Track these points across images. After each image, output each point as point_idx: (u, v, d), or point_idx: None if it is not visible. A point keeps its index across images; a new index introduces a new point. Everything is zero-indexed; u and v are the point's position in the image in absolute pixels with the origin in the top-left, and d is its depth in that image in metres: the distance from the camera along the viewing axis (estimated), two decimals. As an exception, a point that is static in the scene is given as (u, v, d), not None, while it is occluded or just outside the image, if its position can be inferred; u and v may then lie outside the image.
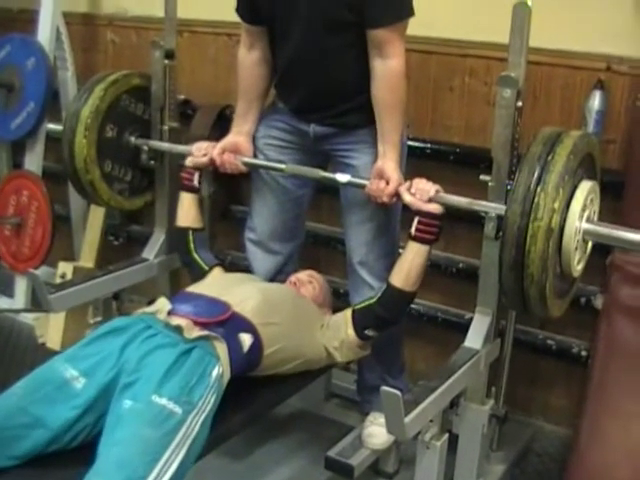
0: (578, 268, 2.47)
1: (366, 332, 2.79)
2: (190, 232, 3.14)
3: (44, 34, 4.24)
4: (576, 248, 2.36)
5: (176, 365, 2.27)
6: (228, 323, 2.51)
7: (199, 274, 3.03)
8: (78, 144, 3.22)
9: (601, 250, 3.17)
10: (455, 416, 2.79)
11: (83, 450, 2.21)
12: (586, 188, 2.36)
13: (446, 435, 2.61)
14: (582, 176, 2.42)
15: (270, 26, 3.00)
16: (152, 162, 3.53)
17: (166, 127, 3.54)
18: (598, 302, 3.18)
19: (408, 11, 2.79)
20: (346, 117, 2.99)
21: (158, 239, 3.58)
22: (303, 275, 3.07)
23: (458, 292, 3.55)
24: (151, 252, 3.54)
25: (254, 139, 3.22)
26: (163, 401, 2.17)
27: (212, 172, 3.92)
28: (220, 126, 4.04)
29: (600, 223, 2.43)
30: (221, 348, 2.42)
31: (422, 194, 2.65)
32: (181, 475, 2.14)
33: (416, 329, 3.51)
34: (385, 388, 2.16)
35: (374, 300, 2.77)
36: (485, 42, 3.23)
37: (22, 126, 4.18)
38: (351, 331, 2.78)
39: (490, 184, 2.70)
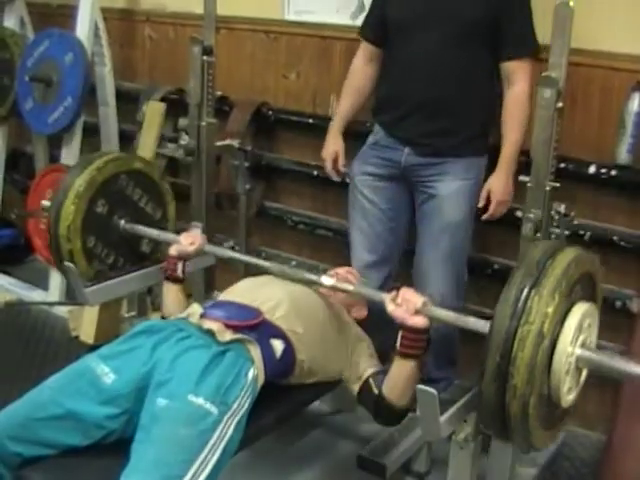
0: (568, 398, 2.13)
1: (362, 405, 2.71)
2: None
3: (82, 29, 4.27)
4: (567, 372, 2.05)
5: (211, 366, 2.27)
6: (259, 328, 2.51)
7: None
8: (65, 209, 3.00)
9: (637, 253, 3.17)
10: (489, 417, 2.77)
11: (118, 446, 2.22)
12: (584, 308, 2.09)
13: (480, 436, 2.59)
14: (581, 294, 2.16)
15: (395, 34, 3.20)
16: (189, 158, 3.55)
17: (204, 123, 3.55)
18: (634, 305, 3.16)
19: (536, 47, 3.05)
20: (442, 139, 3.14)
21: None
22: (342, 271, 3.06)
23: (494, 293, 3.52)
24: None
25: (351, 177, 3.45)
26: (200, 401, 2.17)
27: (248, 169, 3.95)
28: (256, 123, 4.05)
29: (597, 351, 2.13)
30: (255, 351, 2.42)
31: (408, 305, 2.37)
32: (215, 476, 2.14)
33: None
34: (421, 386, 2.14)
35: (376, 392, 2.60)
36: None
37: (59, 120, 4.21)
38: (356, 390, 2.70)
39: (529, 185, 2.69)
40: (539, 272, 2.01)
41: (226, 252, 3.16)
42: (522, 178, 2.71)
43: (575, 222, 2.84)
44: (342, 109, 3.48)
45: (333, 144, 3.47)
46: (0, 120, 4.81)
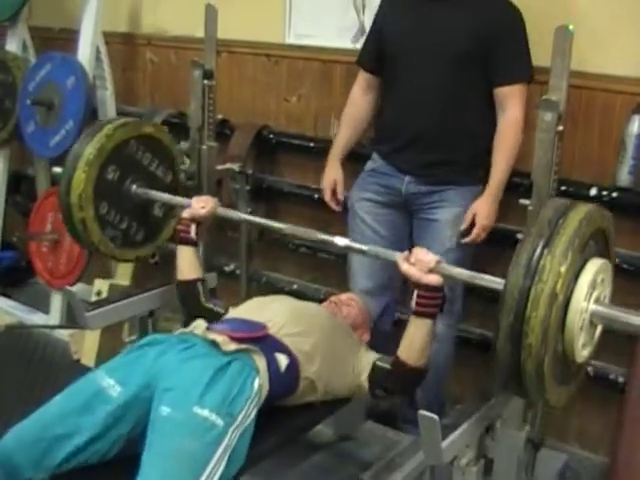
0: (583, 354, 2.16)
1: (377, 392, 2.72)
2: (198, 284, 3.02)
3: (84, 53, 4.29)
4: (581, 328, 2.08)
5: (216, 376, 2.28)
6: (264, 341, 2.52)
7: (216, 320, 2.90)
8: (76, 178, 3.02)
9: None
10: (491, 441, 2.76)
11: (127, 460, 2.22)
12: (598, 264, 2.12)
13: (482, 461, 2.58)
14: (594, 251, 2.19)
15: (391, 65, 3.25)
16: (189, 182, 3.55)
17: (204, 147, 3.56)
18: (637, 328, 3.15)
19: (530, 72, 3.10)
20: (442, 169, 3.18)
21: (195, 258, 3.57)
22: (345, 297, 3.07)
23: (495, 316, 3.52)
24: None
25: (350, 204, 3.48)
26: (205, 413, 2.18)
27: (249, 192, 3.95)
28: (258, 146, 4.06)
29: (612, 306, 2.15)
30: (260, 361, 2.43)
31: (422, 265, 2.43)
32: None
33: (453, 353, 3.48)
34: (422, 412, 2.14)
35: (389, 366, 2.66)
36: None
37: (61, 144, 4.21)
38: (365, 382, 2.72)
39: (529, 208, 2.68)
40: (551, 231, 2.03)
41: (239, 214, 3.21)
42: (523, 201, 2.71)
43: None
44: (341, 139, 3.50)
45: (332, 173, 3.48)
46: (2, 143, 4.81)
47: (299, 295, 3.97)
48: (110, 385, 2.32)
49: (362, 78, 3.43)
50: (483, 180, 3.15)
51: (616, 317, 2.09)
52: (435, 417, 2.13)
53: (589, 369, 3.31)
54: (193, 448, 2.13)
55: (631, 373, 3.10)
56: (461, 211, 3.17)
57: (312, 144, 3.98)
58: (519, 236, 2.95)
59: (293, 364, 2.54)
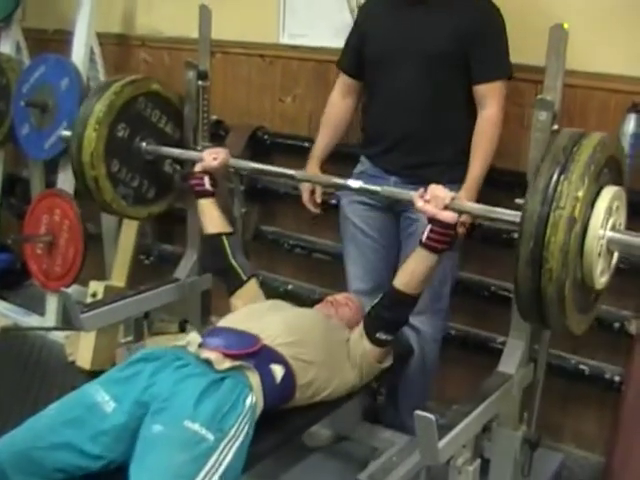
0: (601, 280, 2.24)
1: (378, 336, 2.74)
2: (224, 237, 3.07)
3: (78, 55, 4.29)
4: (599, 254, 2.16)
5: (208, 392, 2.26)
6: (259, 355, 2.50)
7: (236, 283, 3.01)
8: (87, 137, 3.09)
9: (635, 274, 3.16)
10: (487, 441, 2.76)
11: (115, 474, 2.22)
12: (612, 191, 2.19)
13: (478, 460, 2.58)
14: (608, 178, 2.25)
15: (373, 69, 3.25)
16: (184, 184, 3.54)
17: (199, 147, 3.55)
18: (632, 327, 3.15)
19: (508, 71, 3.09)
20: (426, 170, 3.14)
21: (190, 259, 3.57)
22: (340, 297, 3.07)
23: (490, 315, 3.53)
24: (183, 272, 3.54)
25: (341, 206, 3.48)
26: (195, 427, 2.16)
27: (244, 192, 3.95)
28: (252, 146, 4.05)
29: (627, 232, 2.23)
30: (253, 378, 2.41)
31: (437, 201, 2.51)
32: None
33: (447, 352, 3.48)
34: (419, 412, 2.14)
35: (378, 302, 2.73)
36: (518, 64, 3.22)
37: (55, 145, 4.21)
38: (366, 342, 2.75)
39: (525, 207, 2.68)
40: (566, 158, 2.08)
41: (249, 164, 3.25)
42: (518, 201, 2.70)
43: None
44: (320, 142, 3.50)
45: None
46: (-4, 145, 4.82)
47: (294, 295, 3.99)
48: (105, 400, 2.30)
49: (342, 82, 3.43)
50: (461, 178, 3.14)
51: (633, 243, 2.17)
52: (432, 417, 2.13)
53: (585, 368, 3.32)
54: (182, 460, 2.10)
55: (627, 373, 3.10)
56: None
57: (307, 144, 3.96)
58: (515, 235, 2.97)
59: (289, 373, 2.53)
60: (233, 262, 3.02)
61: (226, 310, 2.94)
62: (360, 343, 2.77)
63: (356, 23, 3.37)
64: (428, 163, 3.16)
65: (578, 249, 2.08)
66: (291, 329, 2.67)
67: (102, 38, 4.44)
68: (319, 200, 3.47)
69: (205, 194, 3.09)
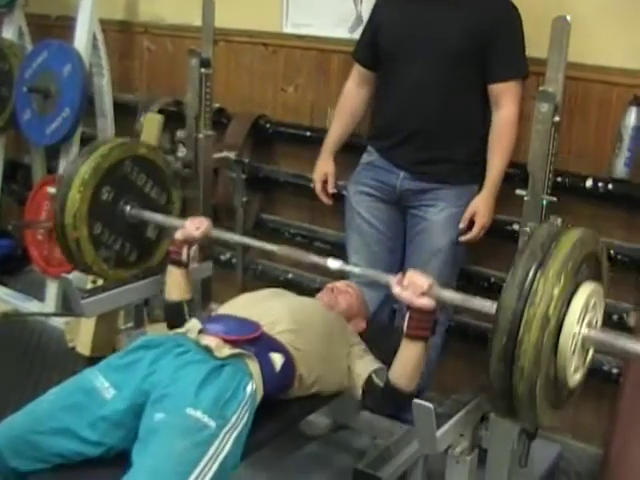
0: (575, 378, 2.14)
1: (367, 403, 2.74)
2: (184, 304, 2.97)
3: (81, 41, 4.29)
4: (574, 352, 2.06)
5: (209, 379, 2.27)
6: (259, 342, 2.50)
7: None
8: (71, 198, 3.00)
9: (635, 267, 3.17)
10: (485, 431, 2.77)
11: (116, 460, 2.22)
12: (590, 288, 2.09)
13: (476, 450, 2.59)
14: (587, 274, 2.16)
15: (387, 62, 3.25)
16: (186, 170, 3.56)
17: (201, 135, 3.56)
18: (631, 319, 3.16)
19: (524, 70, 3.09)
20: (436, 167, 3.18)
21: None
22: (341, 284, 3.07)
23: (489, 307, 3.53)
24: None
25: (347, 197, 3.48)
26: (197, 414, 2.16)
27: (245, 181, 3.95)
28: (254, 135, 4.06)
29: (603, 329, 2.12)
30: (253, 366, 2.41)
31: (415, 288, 2.41)
32: None
33: (447, 344, 3.49)
34: (417, 401, 2.15)
35: (382, 385, 2.63)
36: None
37: (57, 131, 4.22)
38: (359, 394, 2.70)
39: (526, 199, 2.69)
40: (544, 254, 2.01)
41: (233, 236, 3.19)
42: (519, 192, 2.71)
43: (572, 236, 2.85)
44: (334, 132, 3.51)
45: (323, 167, 3.49)
46: (-2, 131, 4.83)
47: (294, 284, 3.99)
48: (104, 387, 2.30)
49: (357, 72, 3.43)
50: (479, 178, 3.15)
51: (608, 341, 2.08)
52: (430, 406, 2.13)
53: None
54: (183, 447, 2.10)
55: (625, 365, 3.11)
56: (456, 212, 3.17)
57: (309, 134, 3.98)
58: (515, 227, 2.98)
59: (288, 362, 2.53)
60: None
61: (226, 297, 2.94)
62: (355, 385, 2.71)
63: (372, 15, 3.36)
64: (439, 160, 3.18)
65: (552, 347, 2.02)
66: (292, 317, 2.67)
67: (105, 25, 4.43)
68: (332, 191, 3.48)
69: (180, 264, 2.99)
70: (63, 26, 4.59)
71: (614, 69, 3.16)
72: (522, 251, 2.06)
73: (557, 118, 2.61)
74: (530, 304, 1.95)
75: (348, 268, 2.76)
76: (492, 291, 3.47)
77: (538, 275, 1.97)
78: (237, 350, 2.40)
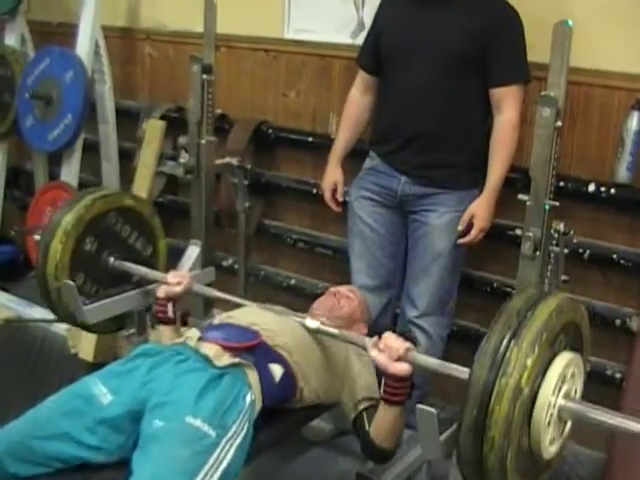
0: (550, 450, 2.05)
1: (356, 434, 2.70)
2: None
3: (83, 47, 4.29)
4: (549, 423, 1.98)
5: (208, 388, 2.27)
6: (258, 351, 2.49)
7: None
8: (53, 248, 2.96)
9: (637, 271, 3.16)
10: (488, 436, 2.76)
11: (117, 466, 2.23)
12: (567, 358, 2.01)
13: (479, 455, 2.58)
14: (565, 344, 2.07)
15: (388, 66, 3.25)
16: (189, 175, 3.57)
17: (203, 141, 3.56)
18: (634, 324, 3.16)
19: (526, 75, 3.09)
20: (437, 171, 3.18)
21: (193, 253, 3.58)
22: (344, 289, 3.07)
23: (492, 311, 3.52)
24: (185, 266, 3.54)
25: (349, 202, 3.47)
26: (197, 422, 2.16)
27: (247, 186, 3.95)
28: (256, 141, 4.06)
29: (581, 402, 2.05)
30: (252, 376, 2.41)
31: (391, 352, 2.33)
32: None
33: (449, 348, 3.49)
34: (421, 406, 2.14)
35: (365, 432, 2.60)
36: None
37: (59, 138, 4.22)
38: (352, 418, 2.68)
39: (528, 203, 2.69)
40: (519, 322, 1.94)
41: (212, 292, 3.11)
42: (521, 197, 2.71)
43: (574, 240, 2.85)
44: (340, 140, 3.50)
45: (332, 175, 3.47)
46: (0, 137, 4.82)
47: (297, 290, 4.00)
48: (102, 393, 2.31)
49: (361, 79, 3.42)
50: (480, 183, 3.14)
51: (586, 414, 2.02)
52: (433, 411, 2.12)
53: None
54: (184, 455, 2.10)
55: (628, 369, 3.11)
56: (456, 216, 3.16)
57: (310, 139, 3.99)
58: (518, 232, 2.98)
59: (288, 373, 2.53)
60: None
61: (229, 303, 2.94)
62: (349, 412, 2.70)
63: (375, 21, 3.36)
64: (440, 164, 3.17)
65: (524, 418, 1.94)
66: (291, 328, 2.66)
67: (107, 31, 4.44)
68: (341, 199, 3.48)
69: (168, 322, 2.94)
70: (65, 33, 4.59)
71: (615, 73, 3.16)
72: (497, 318, 1.98)
73: (559, 123, 2.61)
74: (502, 374, 1.88)
75: (326, 330, 2.64)
76: (494, 296, 3.48)
77: (512, 345, 1.90)
78: (236, 359, 2.40)
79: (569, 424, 2.08)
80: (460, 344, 3.61)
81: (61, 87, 4.20)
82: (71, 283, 2.89)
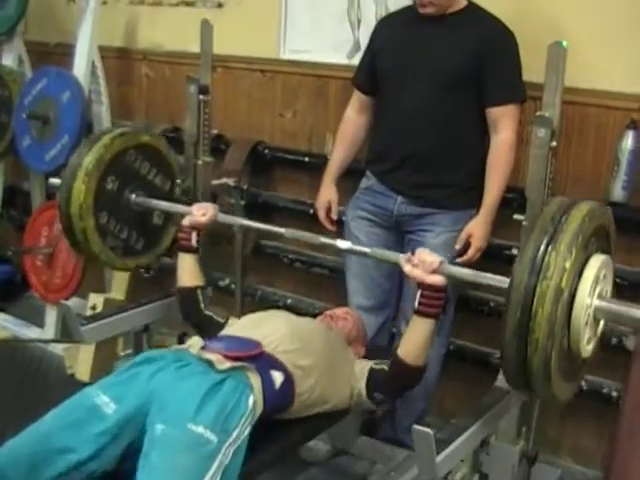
0: (587, 348, 2.19)
1: (375, 395, 2.72)
2: (198, 290, 3.02)
3: (80, 68, 4.30)
4: (586, 323, 2.11)
5: (210, 393, 2.28)
6: (259, 359, 2.51)
7: (215, 329, 2.88)
8: (76, 189, 3.04)
9: (634, 289, 3.16)
10: (485, 456, 2.76)
11: (120, 476, 2.24)
12: (600, 259, 2.16)
13: (477, 475, 2.58)
14: (597, 246, 2.23)
15: (383, 85, 3.27)
16: (184, 197, 3.56)
17: (200, 162, 3.56)
18: (630, 342, 3.16)
19: (522, 95, 3.10)
20: (433, 191, 3.19)
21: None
22: (339, 311, 3.07)
23: (488, 331, 3.53)
24: (182, 285, 3.54)
25: (345, 222, 3.48)
26: (199, 429, 2.18)
27: (244, 207, 3.96)
28: (253, 161, 4.07)
29: (614, 300, 2.19)
30: (254, 378, 2.43)
31: (425, 266, 2.45)
32: None
33: (446, 367, 3.49)
34: (417, 426, 2.15)
35: (386, 367, 2.68)
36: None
37: (56, 158, 4.22)
38: (363, 388, 2.72)
39: (524, 223, 2.70)
40: (555, 228, 2.06)
41: (238, 220, 3.26)
42: (517, 216, 2.72)
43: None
44: (335, 159, 3.50)
45: (326, 194, 3.47)
46: (-3, 157, 4.83)
47: (293, 310, 3.99)
48: (105, 402, 2.31)
49: (356, 99, 3.43)
50: (476, 203, 3.14)
51: (620, 311, 2.14)
52: (430, 431, 2.13)
53: (583, 383, 3.32)
54: (187, 463, 2.12)
55: (625, 388, 3.10)
56: (453, 236, 3.16)
57: (307, 159, 3.99)
58: (514, 251, 2.98)
59: (288, 381, 2.54)
60: (207, 312, 2.98)
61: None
62: (359, 382, 2.74)
63: (371, 41, 3.37)
64: (437, 184, 3.18)
65: (565, 319, 2.07)
66: (293, 336, 2.68)
67: (104, 51, 4.45)
68: (335, 217, 3.47)
69: (190, 250, 3.04)
70: (62, 53, 4.60)
71: (610, 93, 3.17)
72: (533, 226, 2.11)
73: (554, 143, 2.63)
74: (542, 278, 2.00)
75: (357, 248, 2.81)
76: (491, 315, 3.48)
77: (549, 249, 2.03)
78: (238, 364, 2.42)
79: (602, 323, 2.23)
80: (457, 363, 3.61)
81: (58, 107, 4.20)
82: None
